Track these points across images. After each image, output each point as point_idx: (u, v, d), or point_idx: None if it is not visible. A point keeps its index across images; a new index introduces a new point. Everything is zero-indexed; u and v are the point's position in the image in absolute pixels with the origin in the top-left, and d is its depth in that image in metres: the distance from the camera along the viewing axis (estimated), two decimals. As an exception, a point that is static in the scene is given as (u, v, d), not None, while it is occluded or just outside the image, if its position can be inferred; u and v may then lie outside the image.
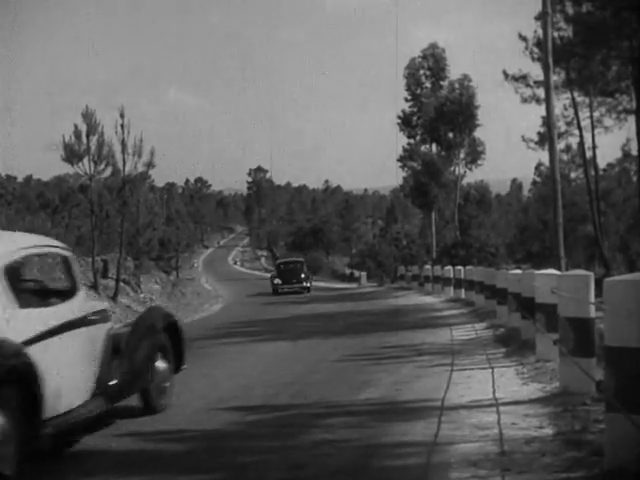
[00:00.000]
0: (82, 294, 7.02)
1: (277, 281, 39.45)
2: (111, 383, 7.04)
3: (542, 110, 36.88)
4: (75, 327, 6.59)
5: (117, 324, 8.70)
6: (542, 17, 19.96)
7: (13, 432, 5.21)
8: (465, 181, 65.27)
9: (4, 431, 5.15)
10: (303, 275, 40.33)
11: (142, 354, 7.53)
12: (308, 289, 39.30)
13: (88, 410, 6.58)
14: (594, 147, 40.11)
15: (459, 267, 26.09)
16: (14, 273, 6.04)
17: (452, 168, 60.19)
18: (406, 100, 60.11)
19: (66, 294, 6.85)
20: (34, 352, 5.64)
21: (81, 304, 6.90)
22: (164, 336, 8.02)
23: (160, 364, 7.90)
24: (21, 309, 5.85)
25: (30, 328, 5.85)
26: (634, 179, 45.06)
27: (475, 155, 59.53)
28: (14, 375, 5.37)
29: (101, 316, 7.21)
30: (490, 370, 9.51)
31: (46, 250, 7.09)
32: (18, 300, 5.84)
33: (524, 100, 36.60)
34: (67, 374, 6.24)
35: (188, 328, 20.64)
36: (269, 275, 46.09)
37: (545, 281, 9.09)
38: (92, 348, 6.93)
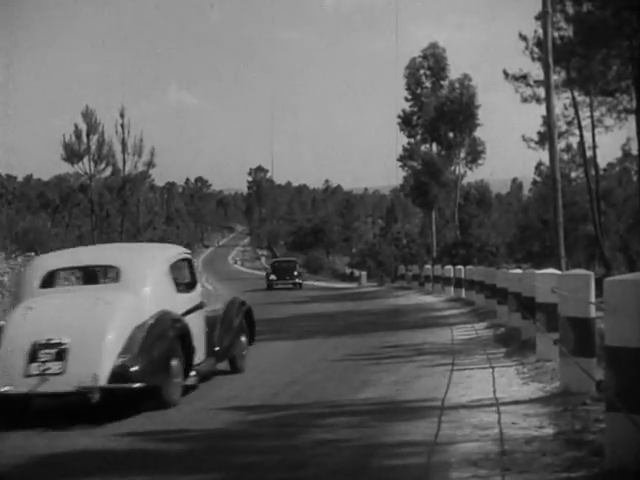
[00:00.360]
0: (199, 287, 9.97)
1: (272, 277, 43.38)
2: (216, 349, 9.71)
3: (542, 110, 36.89)
4: (197, 309, 9.42)
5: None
6: (542, 17, 19.97)
7: (181, 371, 8.31)
8: (465, 181, 65.34)
9: (177, 369, 8.22)
10: (295, 273, 44.57)
11: (232, 331, 10.25)
12: (300, 285, 43.78)
13: (207, 364, 9.42)
14: (594, 146, 40.17)
15: (459, 267, 26.08)
16: (173, 270, 9.08)
17: (452, 168, 60.24)
18: (406, 100, 60.16)
19: (191, 286, 9.67)
20: (186, 321, 8.70)
21: (198, 294, 9.72)
22: (243, 318, 10.75)
23: (242, 338, 10.65)
24: (177, 294, 8.95)
25: (181, 306, 8.84)
26: (634, 179, 45.10)
27: (475, 155, 59.57)
28: (180, 333, 8.40)
29: (203, 303, 9.83)
30: (490, 370, 9.51)
31: (184, 255, 9.86)
32: (176, 288, 8.96)
33: (524, 100, 36.68)
34: (197, 339, 8.96)
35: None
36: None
37: (545, 281, 9.09)
38: (203, 324, 9.54)
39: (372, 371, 10.19)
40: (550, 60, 19.21)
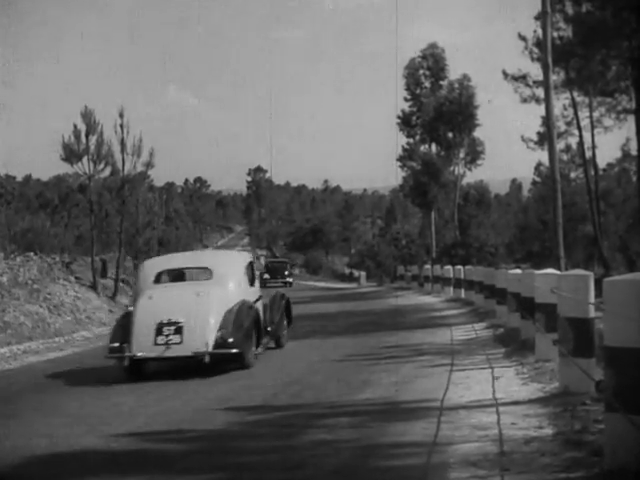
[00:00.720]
0: (257, 283, 12.76)
1: (266, 276, 44.86)
2: (268, 329, 12.41)
3: (542, 110, 36.89)
4: (259, 299, 12.46)
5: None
6: (542, 17, 19.97)
7: (255, 343, 11.38)
8: (465, 181, 65.29)
9: (253, 342, 11.26)
10: (287, 272, 51.08)
11: (278, 316, 13.15)
12: (290, 284, 48.44)
13: (267, 340, 12.34)
14: (594, 147, 40.12)
15: (459, 267, 26.08)
16: (246, 271, 12.09)
17: (452, 168, 60.20)
18: (406, 100, 60.06)
19: (253, 282, 12.39)
20: (256, 306, 11.90)
21: (258, 288, 12.71)
22: (284, 307, 13.74)
23: (284, 322, 13.71)
24: (249, 288, 11.99)
25: (252, 297, 11.89)
26: (634, 179, 45.01)
27: (475, 155, 59.54)
28: (254, 315, 11.45)
29: (261, 295, 12.74)
30: (490, 370, 9.50)
31: (250, 259, 12.94)
32: (248, 282, 12.05)
33: (524, 100, 36.60)
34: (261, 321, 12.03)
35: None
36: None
37: (545, 281, 9.08)
38: (262, 311, 12.34)
39: (371, 371, 10.19)
40: (549, 60, 19.21)
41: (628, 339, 4.54)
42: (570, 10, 30.31)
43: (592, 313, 7.15)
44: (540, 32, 22.31)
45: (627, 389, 4.51)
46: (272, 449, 6.21)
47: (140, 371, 10.69)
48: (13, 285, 19.52)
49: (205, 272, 12.07)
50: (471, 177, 74.96)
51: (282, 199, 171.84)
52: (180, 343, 10.35)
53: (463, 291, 23.87)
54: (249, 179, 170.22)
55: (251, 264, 12.65)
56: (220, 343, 10.43)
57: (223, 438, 6.71)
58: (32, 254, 23.87)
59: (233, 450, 6.26)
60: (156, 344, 10.36)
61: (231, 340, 10.46)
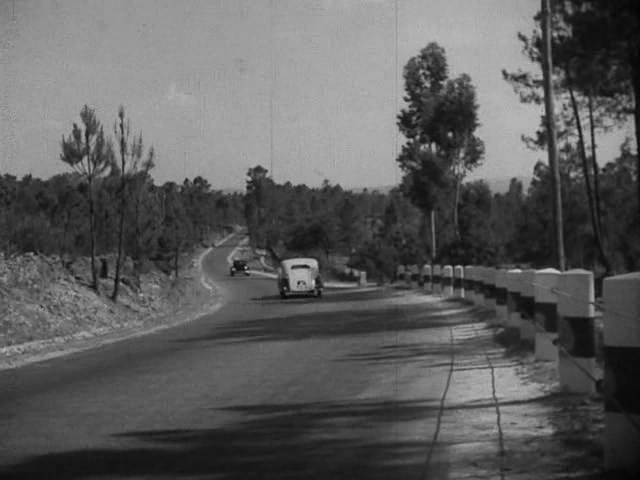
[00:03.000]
0: (316, 266, 36.63)
1: (233, 269, 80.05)
2: (313, 285, 34.39)
3: (542, 109, 36.91)
4: (319, 275, 36.49)
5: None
6: (542, 17, 19.98)
7: (319, 291, 35.29)
8: (465, 181, 65.33)
9: (320, 289, 35.63)
10: (246, 267, 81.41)
11: (319, 282, 35.12)
12: (248, 274, 77.18)
13: (318, 291, 34.59)
14: (593, 146, 40.15)
15: (458, 267, 26.08)
16: (315, 268, 36.13)
17: (451, 168, 60.26)
18: (406, 100, 60.21)
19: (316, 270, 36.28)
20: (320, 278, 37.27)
21: (317, 270, 36.37)
22: (318, 280, 35.24)
23: (320, 286, 35.03)
24: (318, 271, 37.42)
25: (317, 275, 36.03)
26: (634, 178, 45.08)
27: (474, 155, 59.58)
28: (318, 278, 36.13)
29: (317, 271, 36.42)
30: (490, 370, 9.51)
31: (316, 260, 40.41)
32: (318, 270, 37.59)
33: (524, 99, 36.65)
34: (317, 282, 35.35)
35: (187, 327, 20.69)
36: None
37: (545, 281, 9.08)
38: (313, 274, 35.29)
39: (371, 371, 10.19)
40: (549, 60, 19.23)
41: (628, 339, 4.54)
42: (570, 10, 30.34)
43: (592, 313, 7.15)
44: (540, 32, 22.29)
45: (627, 389, 4.51)
46: (272, 449, 6.21)
47: (286, 297, 33.16)
48: (13, 285, 19.52)
49: (306, 266, 35.33)
50: (471, 177, 75.15)
51: (282, 199, 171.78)
52: (305, 286, 33.81)
53: (463, 291, 23.87)
54: (249, 179, 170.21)
55: (317, 261, 39.32)
56: (313, 289, 34.00)
57: (223, 438, 6.70)
58: (32, 254, 23.86)
59: (233, 450, 6.26)
60: (296, 286, 33.87)
61: (317, 287, 34.28)
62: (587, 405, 6.49)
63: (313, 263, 36.47)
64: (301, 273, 34.53)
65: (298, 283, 33.99)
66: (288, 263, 36.33)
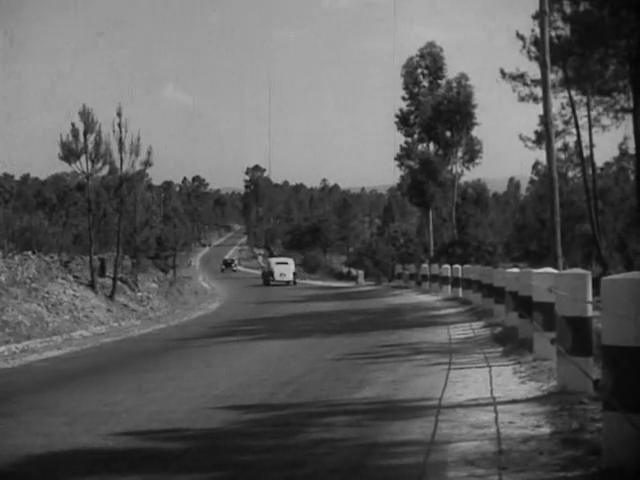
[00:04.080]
0: (292, 263, 53.47)
1: (222, 267, 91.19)
2: (291, 277, 49.78)
3: (539, 109, 36.88)
4: (295, 270, 53.38)
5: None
6: (540, 16, 19.97)
7: (294, 280, 51.58)
8: (462, 180, 65.32)
9: (293, 279, 51.41)
10: (234, 264, 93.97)
11: (295, 275, 51.27)
12: (235, 271, 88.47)
13: (294, 281, 50.02)
14: (591, 146, 40.17)
15: (456, 266, 26.09)
16: (292, 264, 53.05)
17: (449, 167, 60.22)
18: (404, 99, 60.17)
19: (292, 265, 53.08)
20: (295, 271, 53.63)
21: (294, 266, 53.28)
22: (294, 272, 52.13)
23: (295, 277, 51.17)
24: (295, 266, 56.20)
25: (294, 269, 52.77)
26: (631, 178, 45.09)
27: (472, 154, 59.55)
28: (295, 274, 54.29)
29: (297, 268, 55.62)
30: (487, 369, 9.51)
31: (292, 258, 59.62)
32: (295, 265, 55.63)
33: (521, 99, 36.60)
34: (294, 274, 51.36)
35: (185, 326, 20.68)
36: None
37: (542, 280, 9.09)
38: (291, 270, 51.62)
39: (369, 370, 10.19)
40: (547, 59, 19.23)
41: (626, 338, 4.54)
42: (568, 9, 30.33)
43: (590, 312, 7.16)
44: (538, 31, 22.28)
45: (625, 388, 4.52)
46: (270, 448, 6.21)
47: (270, 285, 47.38)
48: (11, 284, 19.51)
49: (286, 263, 51.31)
50: (469, 176, 74.97)
51: (280, 198, 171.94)
52: (285, 278, 48.47)
53: (461, 290, 23.89)
54: (247, 178, 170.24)
55: (294, 262, 54.47)
56: (291, 280, 48.74)
57: (221, 437, 6.70)
58: (30, 253, 23.83)
59: (231, 449, 6.25)
60: (278, 277, 48.60)
61: (293, 279, 49.22)
62: (585, 404, 6.50)
63: (291, 261, 53.73)
64: (282, 268, 50.43)
65: (280, 275, 49.57)
66: (272, 260, 55.01)
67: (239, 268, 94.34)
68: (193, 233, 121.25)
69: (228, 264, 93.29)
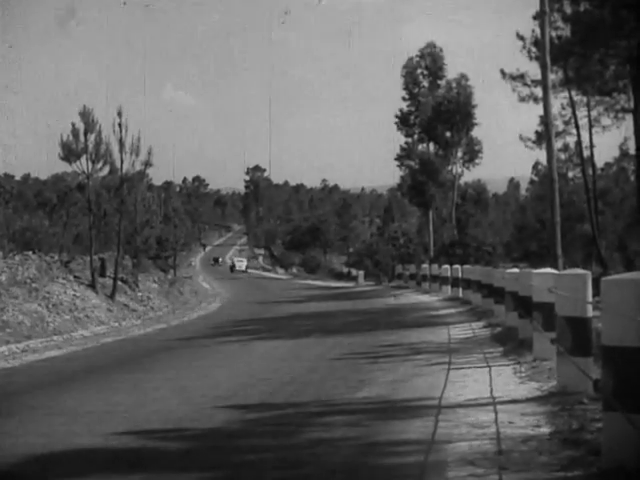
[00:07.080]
0: (245, 260, 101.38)
1: (212, 263, 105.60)
2: (244, 268, 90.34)
3: (540, 109, 36.91)
4: (247, 263, 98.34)
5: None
6: (540, 16, 19.98)
7: (245, 269, 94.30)
8: (462, 180, 65.30)
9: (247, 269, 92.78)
10: (220, 260, 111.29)
11: (247, 267, 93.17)
12: (220, 266, 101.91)
13: (246, 271, 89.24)
14: (592, 146, 40.15)
15: (456, 266, 26.09)
16: (246, 261, 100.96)
17: (449, 167, 60.21)
18: (404, 99, 60.10)
19: (248, 260, 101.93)
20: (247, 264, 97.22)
21: (247, 261, 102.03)
22: (247, 265, 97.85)
23: (247, 268, 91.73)
24: (247, 261, 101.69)
25: (246, 262, 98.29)
26: (632, 178, 45.05)
27: (472, 154, 59.53)
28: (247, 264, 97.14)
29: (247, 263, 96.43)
30: (487, 369, 9.52)
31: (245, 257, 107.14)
32: (247, 261, 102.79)
33: (521, 99, 36.56)
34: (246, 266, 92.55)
35: (186, 326, 20.69)
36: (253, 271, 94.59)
37: (542, 280, 9.09)
38: (245, 264, 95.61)
39: (369, 370, 10.20)
40: (547, 59, 19.24)
41: (626, 338, 4.55)
42: (568, 9, 30.32)
43: (590, 312, 7.16)
44: (538, 31, 22.29)
45: (625, 388, 4.52)
46: (270, 447, 6.22)
47: (233, 272, 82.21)
48: (12, 284, 19.52)
49: (242, 260, 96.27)
50: (469, 176, 75.06)
51: (280, 198, 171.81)
52: (241, 267, 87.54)
53: (461, 290, 23.89)
54: (247, 178, 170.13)
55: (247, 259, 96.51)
56: (245, 270, 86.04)
57: (221, 436, 6.71)
58: (31, 253, 23.85)
59: (231, 448, 6.26)
60: (238, 268, 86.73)
61: (247, 268, 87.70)
62: (585, 404, 6.50)
63: (245, 259, 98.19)
64: (240, 263, 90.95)
65: (238, 267, 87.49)
66: (235, 258, 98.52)
67: (251, 271, 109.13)
68: (193, 233, 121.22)
69: (216, 260, 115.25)
